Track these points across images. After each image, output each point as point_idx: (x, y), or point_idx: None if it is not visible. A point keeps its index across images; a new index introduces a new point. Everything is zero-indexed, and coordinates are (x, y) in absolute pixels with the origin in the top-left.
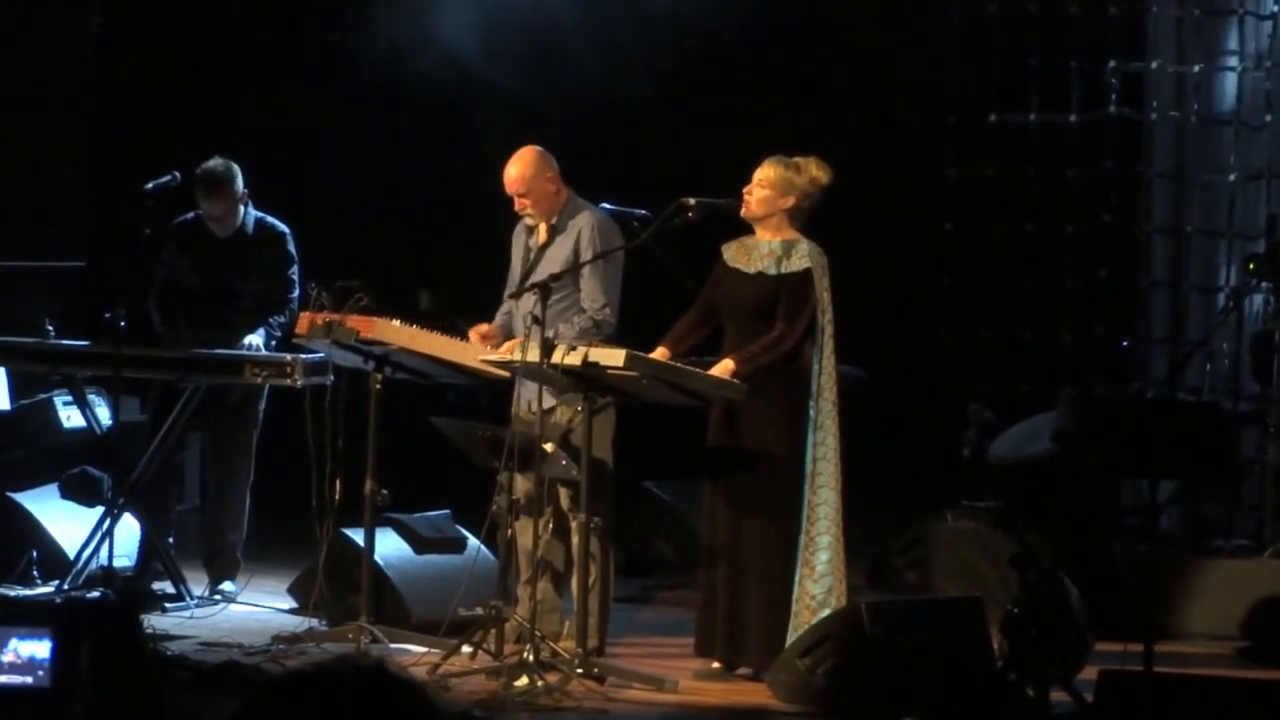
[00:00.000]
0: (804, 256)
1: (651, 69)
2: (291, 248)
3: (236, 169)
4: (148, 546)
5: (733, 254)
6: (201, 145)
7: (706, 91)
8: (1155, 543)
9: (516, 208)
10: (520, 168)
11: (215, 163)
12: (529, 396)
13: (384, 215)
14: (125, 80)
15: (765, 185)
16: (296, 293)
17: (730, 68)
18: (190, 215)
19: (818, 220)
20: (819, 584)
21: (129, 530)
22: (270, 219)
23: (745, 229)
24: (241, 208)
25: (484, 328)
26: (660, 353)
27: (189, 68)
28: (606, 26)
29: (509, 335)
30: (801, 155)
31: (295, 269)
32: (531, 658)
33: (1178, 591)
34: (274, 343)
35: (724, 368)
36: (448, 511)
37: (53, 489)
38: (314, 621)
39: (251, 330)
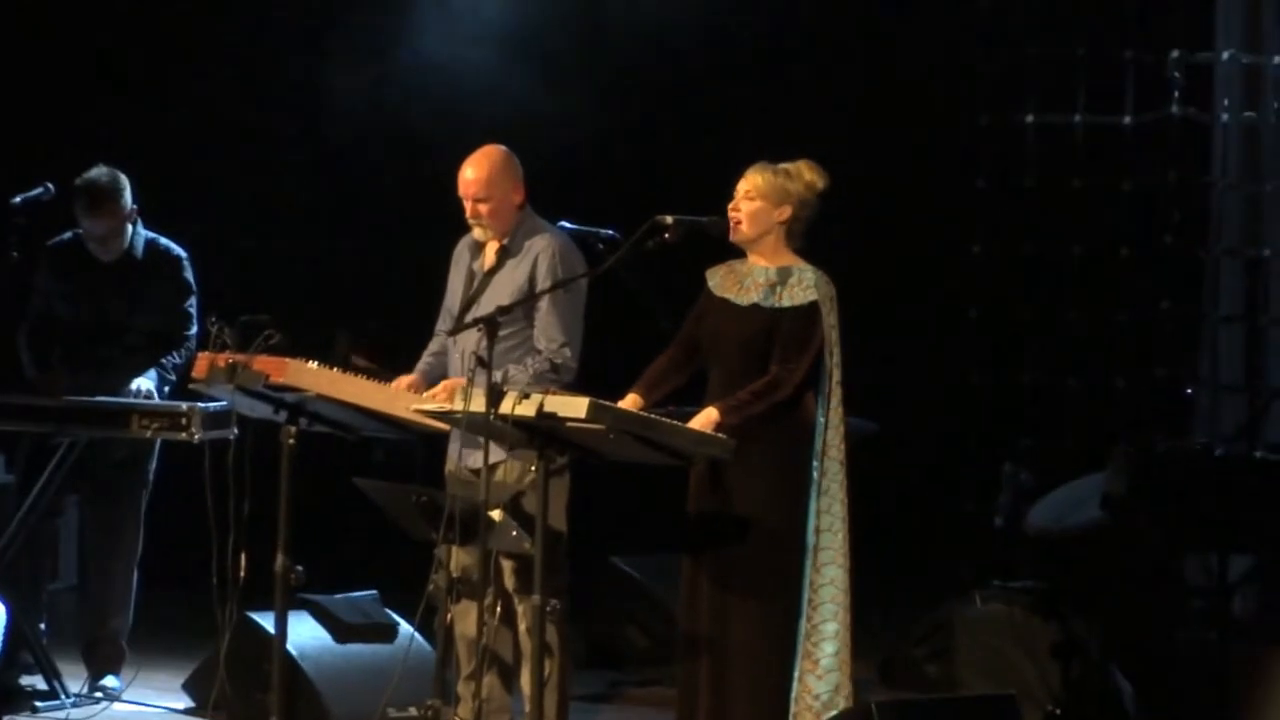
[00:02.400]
0: (809, 287)
1: (625, 63)
2: (189, 275)
3: (124, 180)
4: (14, 633)
5: (720, 281)
6: (81, 152)
7: (690, 94)
8: (1226, 629)
9: (469, 215)
10: (483, 169)
11: (98, 172)
12: (467, 452)
13: (298, 236)
14: None
15: (755, 196)
16: (195, 329)
17: (716, 63)
18: (68, 235)
19: (818, 242)
20: (823, 681)
21: None
22: (164, 241)
23: (733, 253)
24: (129, 227)
25: (404, 380)
26: (631, 400)
27: (64, 62)
28: (571, 17)
29: (436, 382)
30: (790, 162)
31: (193, 300)
32: None
33: (1252, 687)
34: (167, 388)
35: (707, 418)
36: (375, 592)
37: None
38: None
39: (140, 373)
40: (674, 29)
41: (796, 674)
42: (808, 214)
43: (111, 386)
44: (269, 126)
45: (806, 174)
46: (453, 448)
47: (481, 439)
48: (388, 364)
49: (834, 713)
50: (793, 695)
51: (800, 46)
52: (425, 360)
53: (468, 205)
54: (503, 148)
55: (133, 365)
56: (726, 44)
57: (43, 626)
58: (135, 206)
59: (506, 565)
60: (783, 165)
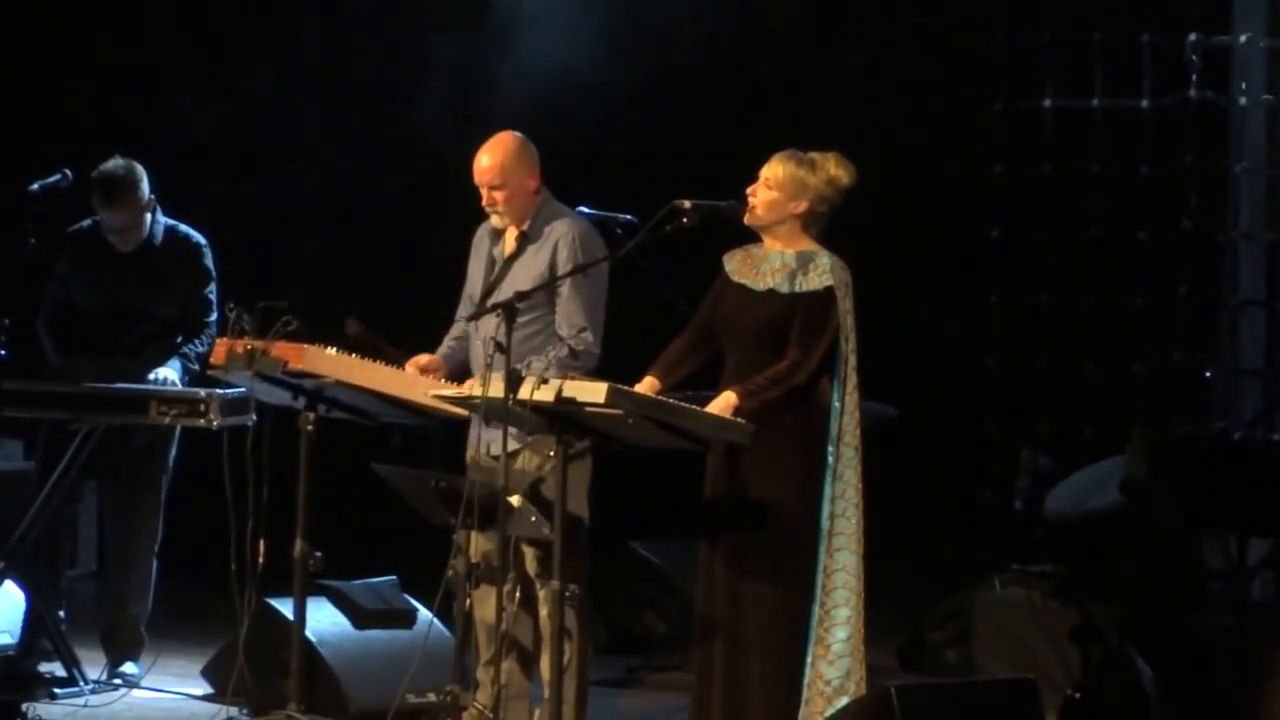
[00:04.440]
0: (824, 272)
1: (642, 47)
2: (209, 262)
3: (141, 171)
4: (33, 620)
5: (737, 265)
6: (98, 140)
7: (705, 77)
8: (1245, 614)
9: (485, 203)
10: (497, 155)
11: (115, 164)
12: (488, 438)
13: (316, 223)
14: (3, 59)
15: (772, 185)
16: (215, 315)
17: (732, 52)
18: (87, 223)
19: (836, 228)
20: (835, 666)
21: (10, 601)
22: (184, 228)
23: (751, 236)
24: (148, 216)
25: (423, 359)
26: (648, 383)
27: (83, 45)
28: None
29: (456, 367)
30: (818, 150)
31: (213, 287)
32: None
33: (1271, 671)
34: (189, 377)
35: (725, 403)
36: (394, 578)
37: None
38: (233, 710)
39: (161, 361)
40: (690, 20)
41: (809, 659)
42: (826, 209)
43: (131, 374)
44: (280, 120)
45: (831, 169)
46: (473, 434)
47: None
48: (397, 349)
49: (846, 699)
50: (805, 680)
51: (814, 34)
52: (446, 344)
53: (484, 193)
54: (517, 134)
55: (152, 353)
56: (739, 32)
57: (61, 614)
58: (153, 196)
59: (528, 551)
60: (810, 155)
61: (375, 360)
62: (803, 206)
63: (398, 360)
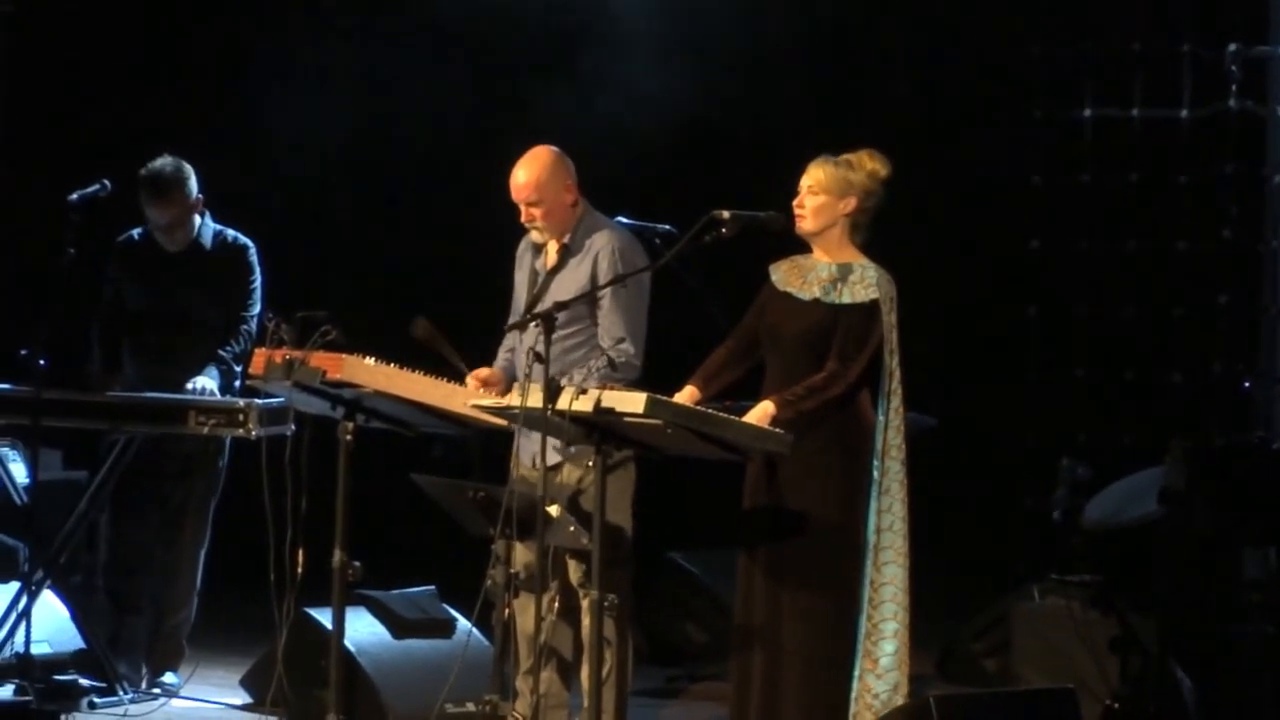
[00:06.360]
0: (871, 285)
1: (679, 67)
2: (254, 259)
3: (189, 170)
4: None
5: (783, 275)
6: (137, 148)
7: (740, 90)
8: None
9: (523, 219)
10: (533, 171)
11: (163, 162)
12: (532, 450)
13: (356, 230)
14: (41, 70)
15: (817, 190)
16: (257, 310)
17: (766, 58)
18: (136, 232)
19: (877, 236)
20: (883, 680)
21: (49, 610)
22: (232, 232)
23: (791, 248)
24: (196, 217)
25: (484, 372)
26: (688, 393)
27: (122, 54)
28: (633, 16)
29: (513, 379)
30: (852, 153)
31: (257, 279)
32: None
33: None
34: (237, 382)
35: (762, 412)
36: (433, 588)
37: None
38: None
39: (202, 369)
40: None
41: (857, 673)
42: (872, 204)
43: (181, 379)
44: (319, 125)
45: (868, 163)
46: (516, 447)
47: (547, 438)
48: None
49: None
50: (853, 694)
51: (855, 41)
52: (503, 356)
53: (521, 209)
54: (552, 148)
55: (203, 356)
56: (779, 39)
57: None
58: (201, 197)
59: (571, 561)
60: (844, 156)
61: (441, 363)
62: (852, 204)
63: (459, 370)
